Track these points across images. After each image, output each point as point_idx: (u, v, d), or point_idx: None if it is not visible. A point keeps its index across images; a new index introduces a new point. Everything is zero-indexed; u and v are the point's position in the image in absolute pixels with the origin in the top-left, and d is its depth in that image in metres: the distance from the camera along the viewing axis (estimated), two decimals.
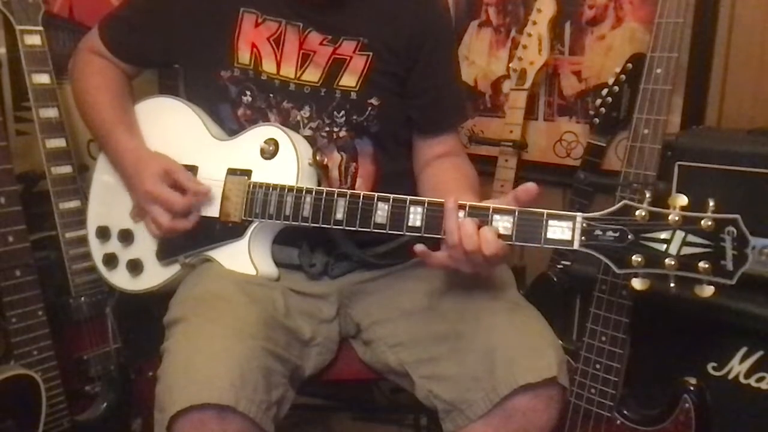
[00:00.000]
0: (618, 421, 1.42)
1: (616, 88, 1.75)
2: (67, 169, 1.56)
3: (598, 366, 1.43)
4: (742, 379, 1.40)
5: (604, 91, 1.78)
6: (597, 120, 1.81)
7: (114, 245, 1.35)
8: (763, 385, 1.38)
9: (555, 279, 1.74)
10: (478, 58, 2.13)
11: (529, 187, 1.00)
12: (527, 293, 1.78)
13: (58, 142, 1.54)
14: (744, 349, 1.39)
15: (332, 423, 2.13)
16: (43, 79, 1.52)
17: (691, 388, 1.35)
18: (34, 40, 1.51)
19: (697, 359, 1.44)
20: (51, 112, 1.53)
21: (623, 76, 1.73)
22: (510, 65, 1.97)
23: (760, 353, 1.37)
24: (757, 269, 1.37)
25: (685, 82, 1.69)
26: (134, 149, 1.30)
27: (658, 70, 1.35)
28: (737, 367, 1.40)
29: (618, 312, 1.40)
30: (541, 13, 1.88)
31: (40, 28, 1.52)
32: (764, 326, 1.35)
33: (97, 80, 1.37)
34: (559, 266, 1.79)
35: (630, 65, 1.72)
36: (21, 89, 1.57)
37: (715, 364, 1.42)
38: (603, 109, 1.79)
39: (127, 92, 1.40)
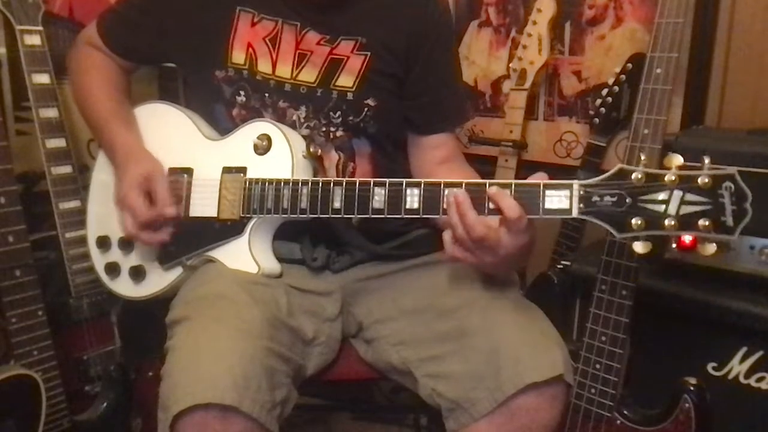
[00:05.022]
0: (618, 421, 1.42)
1: (616, 88, 1.75)
2: (67, 169, 1.55)
3: (598, 366, 1.43)
4: (742, 379, 1.40)
5: (604, 91, 1.78)
6: (597, 120, 1.81)
7: (115, 254, 1.35)
8: (763, 385, 1.38)
9: (555, 279, 1.74)
10: (478, 58, 2.13)
11: (540, 176, 1.01)
12: (527, 293, 1.77)
13: (58, 142, 1.54)
14: (744, 349, 1.39)
15: (332, 423, 2.13)
16: (43, 79, 1.52)
17: (691, 388, 1.34)
18: (34, 40, 1.51)
19: (697, 359, 1.44)
20: (51, 112, 1.53)
21: (623, 76, 1.73)
22: (510, 65, 1.98)
23: (760, 353, 1.38)
24: (757, 269, 1.38)
25: (685, 82, 1.70)
26: (125, 144, 1.29)
27: (658, 70, 1.35)
28: (737, 367, 1.40)
29: (618, 312, 1.40)
30: (541, 13, 1.88)
31: (40, 28, 1.52)
32: (764, 326, 1.35)
33: (94, 75, 1.38)
34: (559, 266, 1.79)
35: (630, 65, 1.72)
36: (21, 89, 1.56)
37: (715, 364, 1.43)
38: (603, 109, 1.79)
39: (123, 87, 1.41)
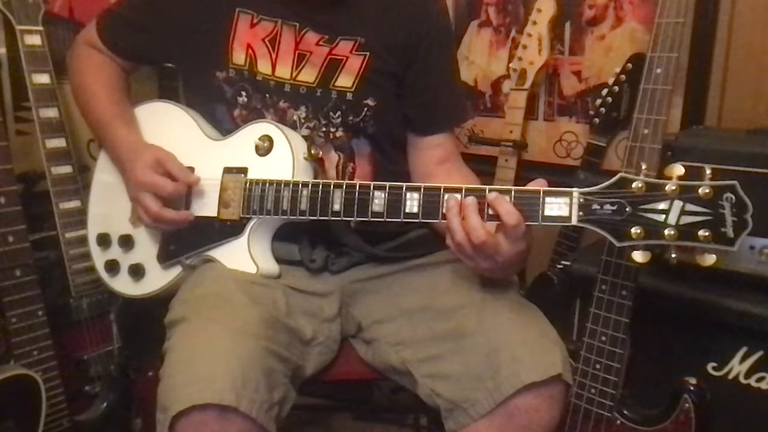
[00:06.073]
0: (618, 421, 1.42)
1: (616, 88, 1.75)
2: (67, 169, 1.56)
3: (598, 366, 1.43)
4: (742, 379, 1.40)
5: (604, 91, 1.78)
6: (597, 120, 1.81)
7: (115, 251, 1.35)
8: (763, 385, 1.38)
9: (555, 279, 1.74)
10: (478, 58, 2.13)
11: (539, 183, 1.01)
12: (527, 293, 1.78)
13: (58, 142, 1.55)
14: (744, 349, 1.39)
15: (332, 423, 2.13)
16: (43, 79, 1.52)
17: (691, 388, 1.35)
18: (34, 40, 1.52)
19: (697, 359, 1.44)
20: (51, 112, 1.54)
21: (623, 76, 1.73)
22: (510, 65, 1.98)
23: (760, 353, 1.37)
24: (757, 269, 1.38)
25: (685, 82, 1.69)
26: (129, 141, 1.30)
27: (658, 70, 1.35)
28: (737, 367, 1.40)
29: (618, 312, 1.40)
30: (541, 13, 1.88)
31: (40, 28, 1.52)
32: (764, 326, 1.35)
33: (95, 75, 1.38)
34: (559, 266, 1.79)
35: (630, 65, 1.72)
36: (21, 89, 1.57)
37: (715, 364, 1.42)
38: (603, 109, 1.79)
39: (124, 87, 1.41)
